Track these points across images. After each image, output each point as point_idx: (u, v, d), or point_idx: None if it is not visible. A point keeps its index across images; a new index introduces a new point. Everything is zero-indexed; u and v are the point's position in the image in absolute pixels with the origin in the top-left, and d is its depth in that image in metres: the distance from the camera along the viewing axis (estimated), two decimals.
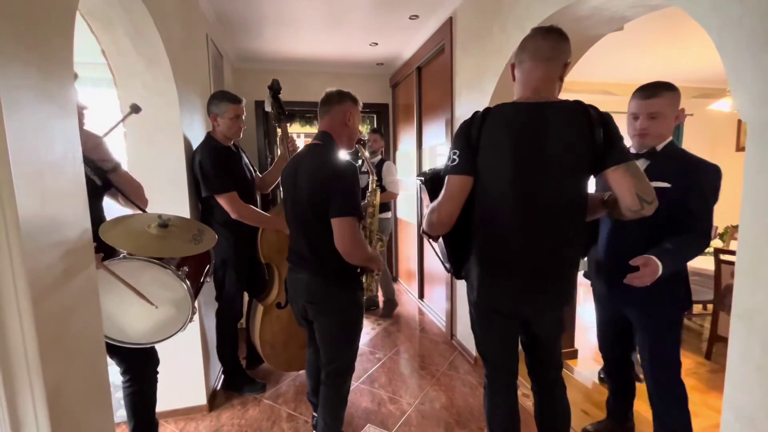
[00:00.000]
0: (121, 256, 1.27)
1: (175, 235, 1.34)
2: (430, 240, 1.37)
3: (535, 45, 1.17)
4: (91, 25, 1.58)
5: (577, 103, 1.17)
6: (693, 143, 4.85)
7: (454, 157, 1.20)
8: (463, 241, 1.30)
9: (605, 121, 1.14)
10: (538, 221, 1.19)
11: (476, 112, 1.21)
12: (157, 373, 1.54)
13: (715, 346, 2.71)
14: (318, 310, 1.51)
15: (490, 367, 1.39)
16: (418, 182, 1.47)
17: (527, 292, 1.25)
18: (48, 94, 0.83)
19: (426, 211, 1.32)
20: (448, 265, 1.42)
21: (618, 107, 4.58)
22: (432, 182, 1.36)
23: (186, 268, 1.39)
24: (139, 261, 1.26)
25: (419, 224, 1.52)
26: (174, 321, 1.33)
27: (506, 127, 1.16)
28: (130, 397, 1.48)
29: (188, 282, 1.33)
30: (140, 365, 1.47)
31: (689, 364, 2.66)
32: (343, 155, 1.54)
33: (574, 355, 2.94)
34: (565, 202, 1.18)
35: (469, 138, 1.18)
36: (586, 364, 2.90)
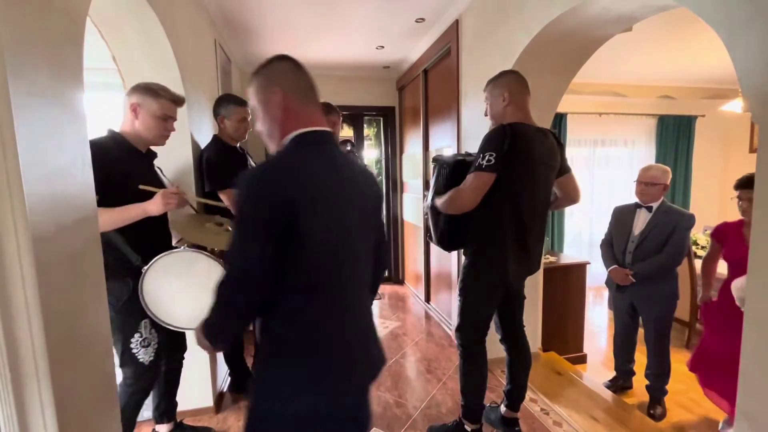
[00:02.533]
0: (182, 248, 1.49)
1: (227, 232, 1.60)
2: (431, 214, 1.72)
3: (525, 81, 1.61)
4: (102, 31, 1.61)
5: (551, 130, 1.70)
6: (705, 145, 4.77)
7: (490, 158, 1.45)
8: (460, 224, 1.65)
9: (562, 143, 1.68)
10: (540, 216, 1.62)
11: (504, 127, 1.50)
12: (184, 358, 1.74)
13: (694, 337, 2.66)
14: None
15: (481, 332, 1.69)
16: (439, 165, 1.74)
17: (529, 268, 1.68)
18: (59, 99, 0.84)
19: (444, 193, 1.60)
20: (435, 237, 1.76)
21: (627, 109, 4.56)
22: (454, 169, 1.65)
23: None
24: (193, 252, 1.47)
25: (428, 203, 1.75)
26: None
27: (530, 144, 1.51)
28: (161, 376, 1.65)
29: None
30: (173, 348, 1.66)
31: None
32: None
33: (582, 360, 2.90)
34: (548, 201, 1.66)
35: (503, 145, 1.46)
36: (595, 369, 2.86)
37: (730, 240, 1.93)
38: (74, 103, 0.90)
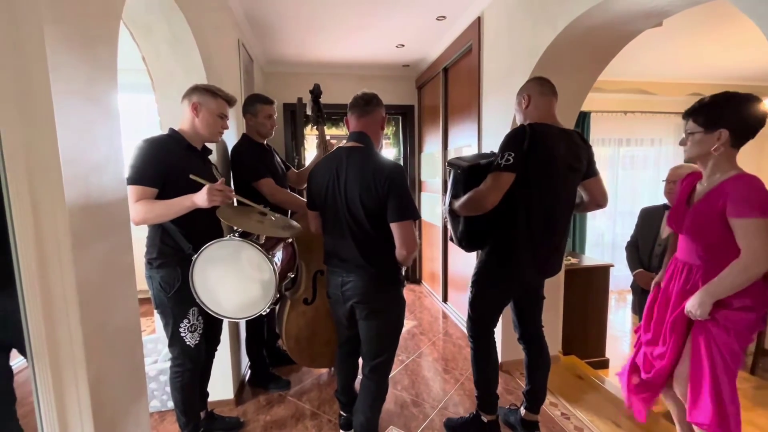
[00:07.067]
0: (228, 237, 1.52)
1: (271, 221, 1.64)
2: (450, 217, 1.71)
3: (549, 84, 1.60)
4: (132, 32, 1.66)
5: (578, 131, 1.66)
6: None
7: (509, 157, 1.44)
8: (479, 225, 1.63)
9: (589, 145, 1.65)
10: (560, 218, 1.59)
11: (523, 126, 1.50)
12: (216, 350, 1.82)
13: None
14: (371, 309, 1.53)
15: (488, 323, 1.76)
16: (454, 169, 1.68)
17: (544, 270, 1.66)
18: (94, 98, 0.87)
19: (462, 196, 1.58)
20: (456, 239, 1.75)
21: (655, 107, 4.42)
22: (469, 173, 1.61)
23: (278, 254, 1.66)
24: (239, 241, 1.49)
25: (447, 208, 1.71)
26: (259, 301, 1.52)
27: (552, 144, 1.49)
28: None
29: (275, 265, 1.53)
30: (209, 340, 1.71)
31: None
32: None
33: (604, 364, 2.83)
34: (570, 203, 1.63)
35: (522, 145, 1.46)
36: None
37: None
38: (108, 100, 0.93)
